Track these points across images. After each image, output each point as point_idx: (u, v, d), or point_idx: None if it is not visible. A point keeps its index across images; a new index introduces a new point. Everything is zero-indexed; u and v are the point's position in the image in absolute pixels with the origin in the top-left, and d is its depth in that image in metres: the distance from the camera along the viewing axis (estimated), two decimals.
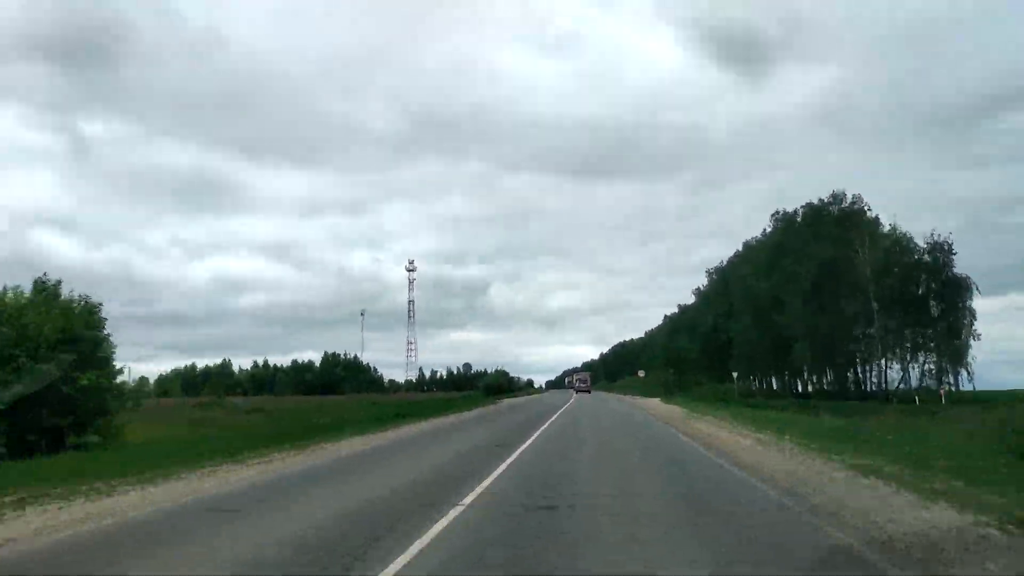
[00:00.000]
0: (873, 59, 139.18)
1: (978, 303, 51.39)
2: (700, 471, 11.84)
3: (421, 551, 6.09)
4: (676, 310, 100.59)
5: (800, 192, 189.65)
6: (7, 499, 9.00)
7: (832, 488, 9.05)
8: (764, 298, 58.27)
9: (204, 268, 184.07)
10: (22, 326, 16.44)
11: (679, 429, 21.38)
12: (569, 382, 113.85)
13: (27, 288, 18.00)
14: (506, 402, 51.35)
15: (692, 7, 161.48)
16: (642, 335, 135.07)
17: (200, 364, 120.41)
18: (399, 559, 5.81)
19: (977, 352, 50.97)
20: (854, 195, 56.36)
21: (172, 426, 26.35)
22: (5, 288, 17.78)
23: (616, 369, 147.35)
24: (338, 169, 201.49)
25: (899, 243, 52.27)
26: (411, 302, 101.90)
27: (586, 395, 73.22)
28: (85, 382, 16.62)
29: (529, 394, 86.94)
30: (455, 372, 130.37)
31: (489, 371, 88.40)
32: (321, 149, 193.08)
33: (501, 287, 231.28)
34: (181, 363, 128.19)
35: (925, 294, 52.30)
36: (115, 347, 18.71)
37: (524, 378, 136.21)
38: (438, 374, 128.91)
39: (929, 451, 11.77)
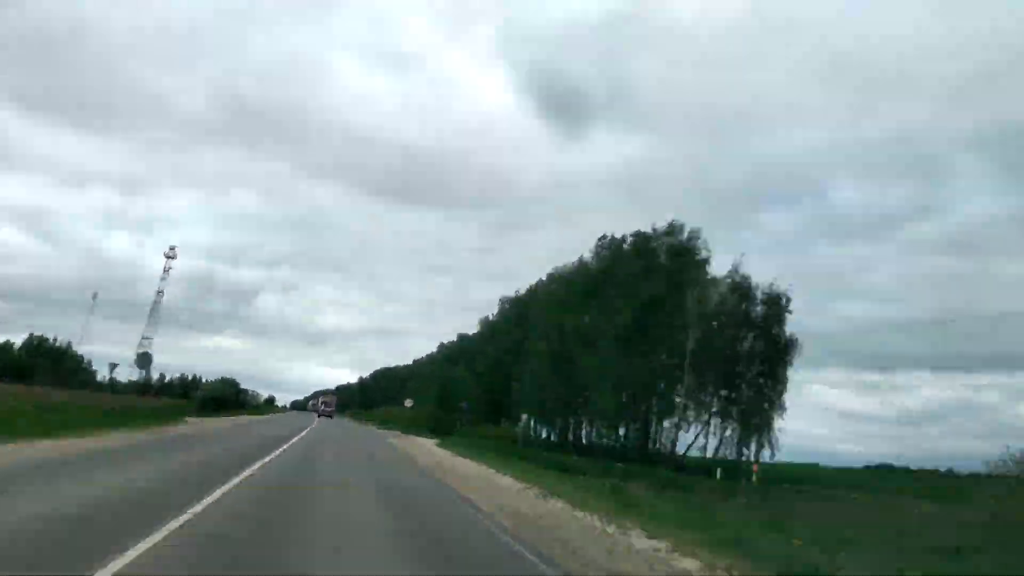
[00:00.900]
0: (680, 135, 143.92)
1: (800, 373, 46.67)
2: None
3: None
4: (455, 339, 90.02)
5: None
6: None
7: None
8: (571, 334, 49.02)
9: None
10: None
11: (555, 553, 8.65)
12: (313, 404, 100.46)
13: None
14: (210, 424, 33.83)
15: (534, 51, 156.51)
16: (410, 363, 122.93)
17: None
18: None
19: (788, 423, 45.63)
20: (691, 229, 48.59)
21: None
22: None
23: (375, 397, 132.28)
24: (125, 140, 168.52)
25: (738, 289, 45.31)
26: (160, 292, 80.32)
27: (328, 419, 70.57)
28: None
29: (263, 413, 70.16)
30: (189, 379, 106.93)
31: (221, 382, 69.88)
32: (113, 116, 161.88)
33: (271, 296, 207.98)
34: None
35: (749, 351, 45.93)
36: None
37: (266, 394, 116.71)
38: (167, 378, 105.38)
39: None
